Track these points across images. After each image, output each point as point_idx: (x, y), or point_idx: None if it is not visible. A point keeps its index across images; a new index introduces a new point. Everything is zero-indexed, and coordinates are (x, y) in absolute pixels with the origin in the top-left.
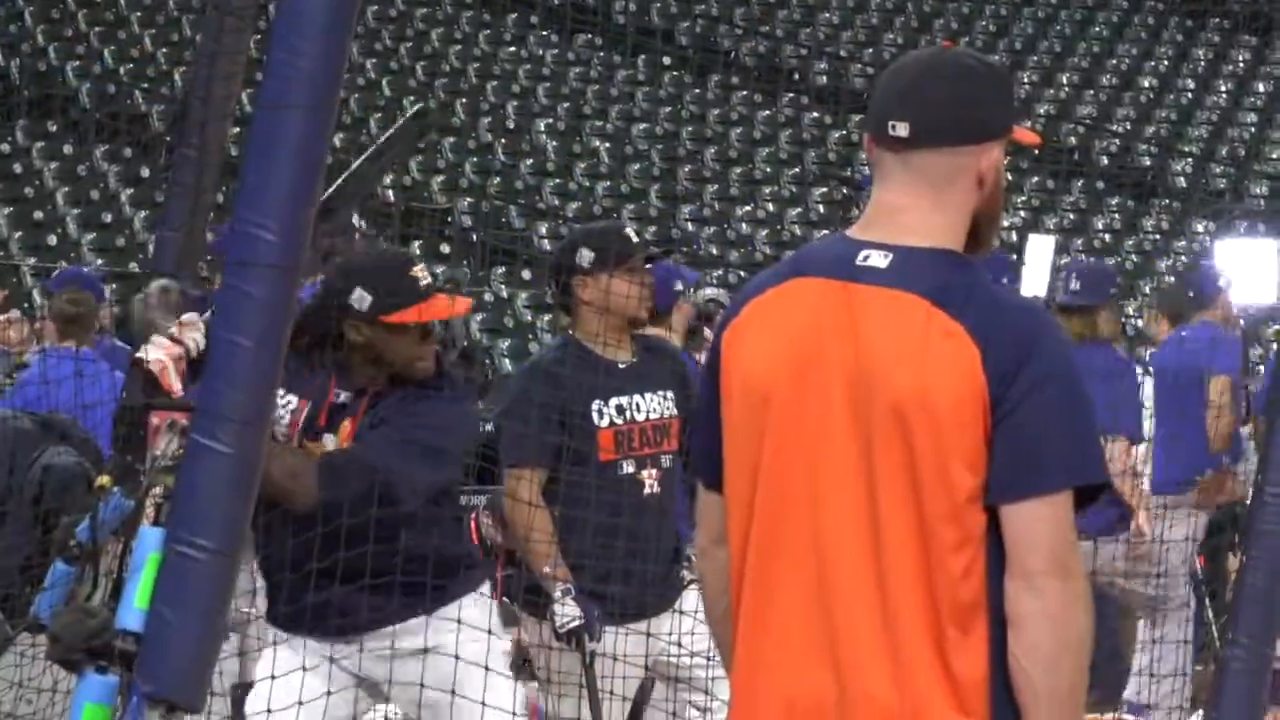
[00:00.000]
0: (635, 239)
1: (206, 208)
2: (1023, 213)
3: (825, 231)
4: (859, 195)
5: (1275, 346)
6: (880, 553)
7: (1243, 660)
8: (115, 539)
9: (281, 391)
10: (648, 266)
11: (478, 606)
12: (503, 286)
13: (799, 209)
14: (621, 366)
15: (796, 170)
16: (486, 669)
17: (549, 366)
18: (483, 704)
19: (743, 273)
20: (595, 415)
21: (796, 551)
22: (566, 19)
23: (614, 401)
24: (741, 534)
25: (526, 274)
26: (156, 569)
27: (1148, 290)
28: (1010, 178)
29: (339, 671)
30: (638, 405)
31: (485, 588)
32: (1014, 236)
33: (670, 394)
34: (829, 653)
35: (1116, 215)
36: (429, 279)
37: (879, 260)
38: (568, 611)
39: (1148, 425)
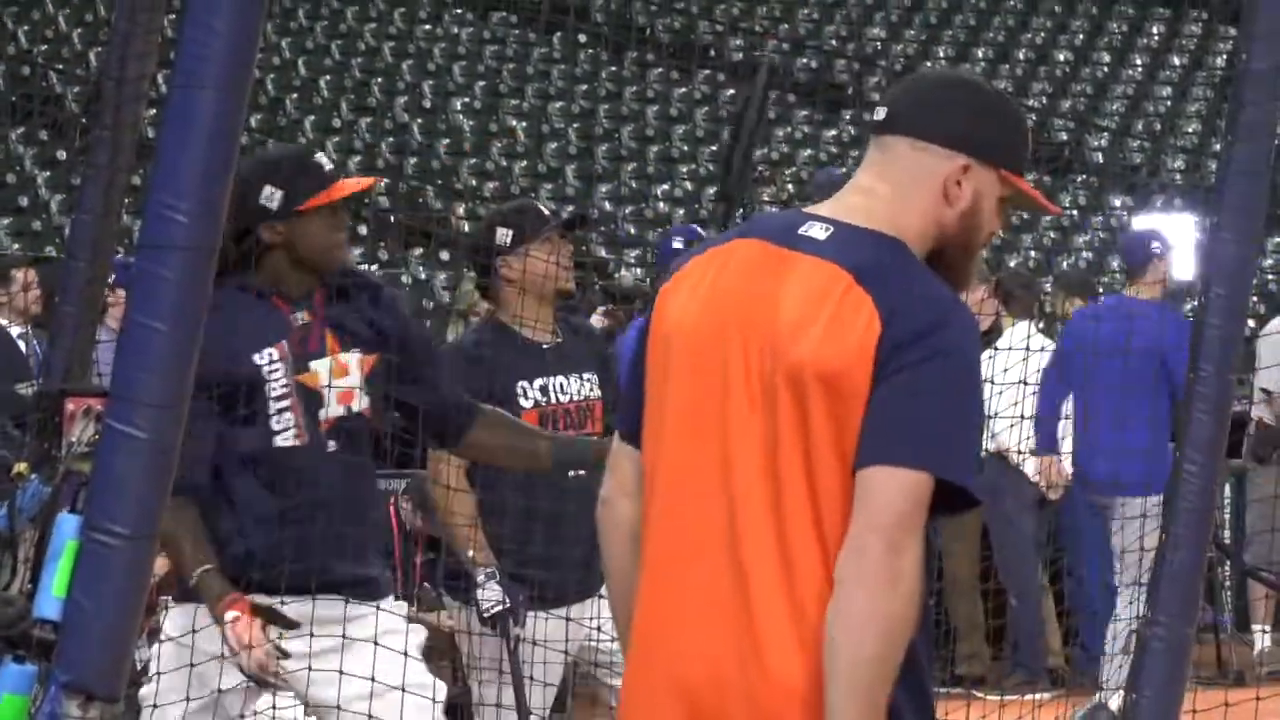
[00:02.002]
0: (548, 212)
1: (122, 190)
2: None
3: (742, 209)
4: None
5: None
6: (781, 521)
7: (1163, 639)
8: (32, 526)
9: (256, 356)
10: (564, 237)
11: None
12: (420, 268)
13: (716, 187)
14: (544, 347)
15: (713, 148)
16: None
17: (471, 349)
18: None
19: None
20: (520, 396)
21: (701, 517)
22: None
23: (538, 382)
24: (647, 491)
25: (444, 255)
26: (74, 557)
27: (1065, 266)
28: None
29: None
30: (561, 386)
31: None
32: None
33: (593, 376)
34: (733, 625)
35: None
36: (330, 164)
37: (818, 232)
38: (490, 596)
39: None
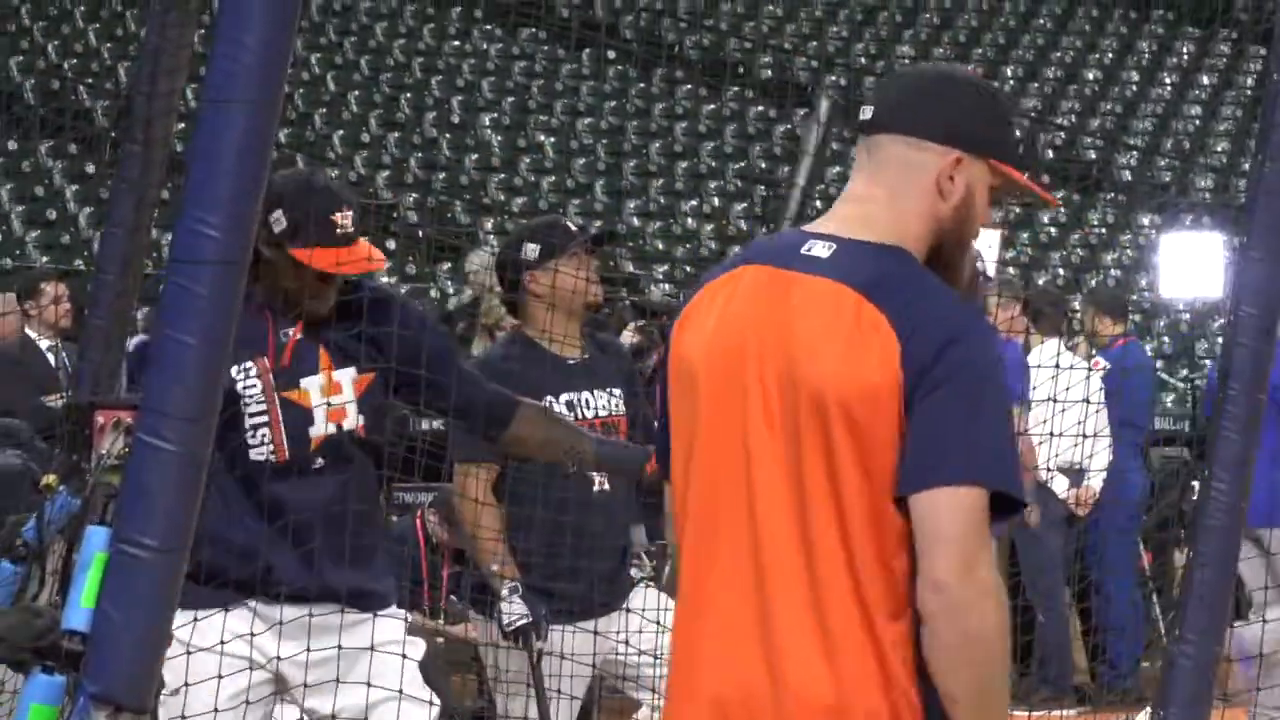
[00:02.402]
0: (575, 228)
1: (151, 204)
2: None
3: (769, 227)
4: None
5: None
6: (809, 543)
7: (1191, 657)
8: (61, 538)
9: (233, 369)
10: (591, 253)
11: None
12: (449, 282)
13: (744, 203)
14: (571, 362)
15: (742, 164)
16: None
17: (499, 363)
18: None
19: (688, 268)
20: None
21: (730, 542)
22: (511, 13)
23: (564, 397)
24: (680, 524)
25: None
26: (103, 569)
27: (1094, 284)
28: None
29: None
30: (587, 402)
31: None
32: None
33: (618, 392)
34: (762, 645)
35: (1062, 209)
36: (350, 226)
37: (821, 250)
38: (515, 610)
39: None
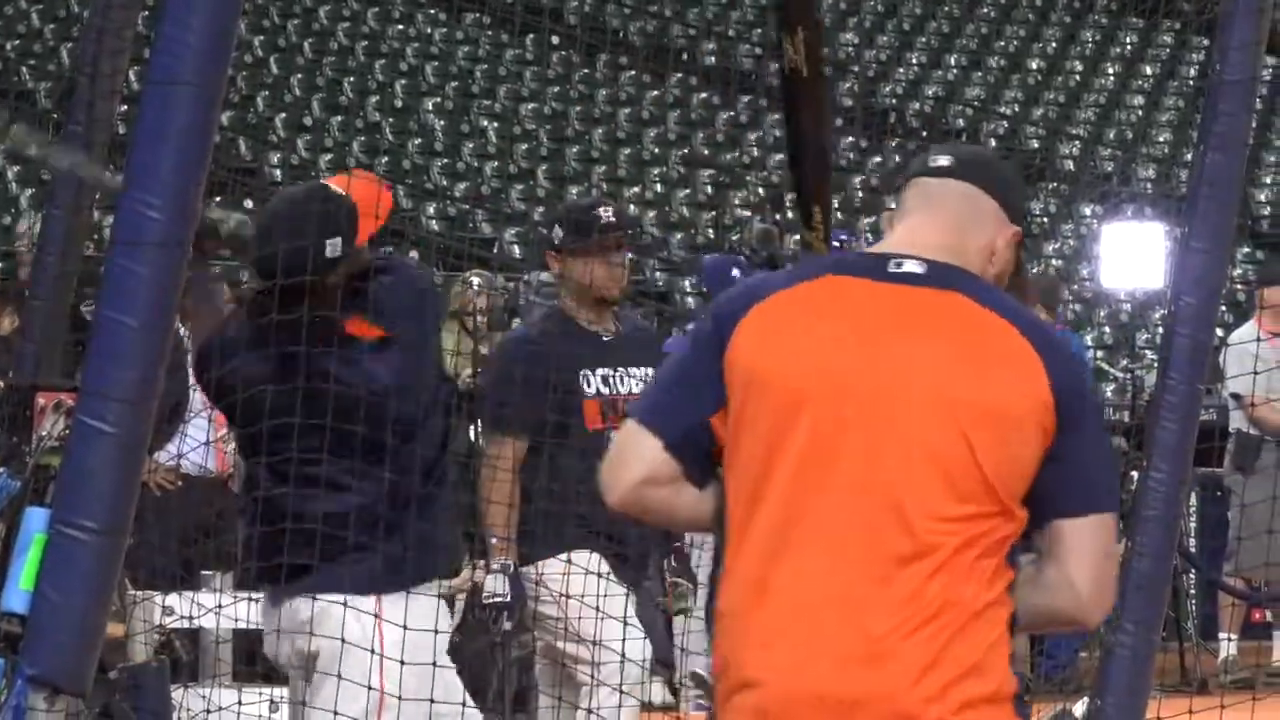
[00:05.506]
0: (608, 221)
1: (93, 186)
2: None
3: (712, 213)
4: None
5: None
6: (920, 548)
7: (1129, 647)
8: (0, 520)
9: None
10: (620, 246)
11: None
12: None
13: (687, 190)
14: (605, 339)
15: (685, 151)
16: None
17: (536, 336)
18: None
19: (630, 255)
20: (584, 385)
21: (841, 542)
22: None
23: (600, 371)
24: (762, 521)
25: (414, 254)
26: (42, 550)
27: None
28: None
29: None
30: (621, 378)
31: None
32: None
33: (650, 372)
34: (864, 648)
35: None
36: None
37: (914, 266)
38: (498, 588)
39: None
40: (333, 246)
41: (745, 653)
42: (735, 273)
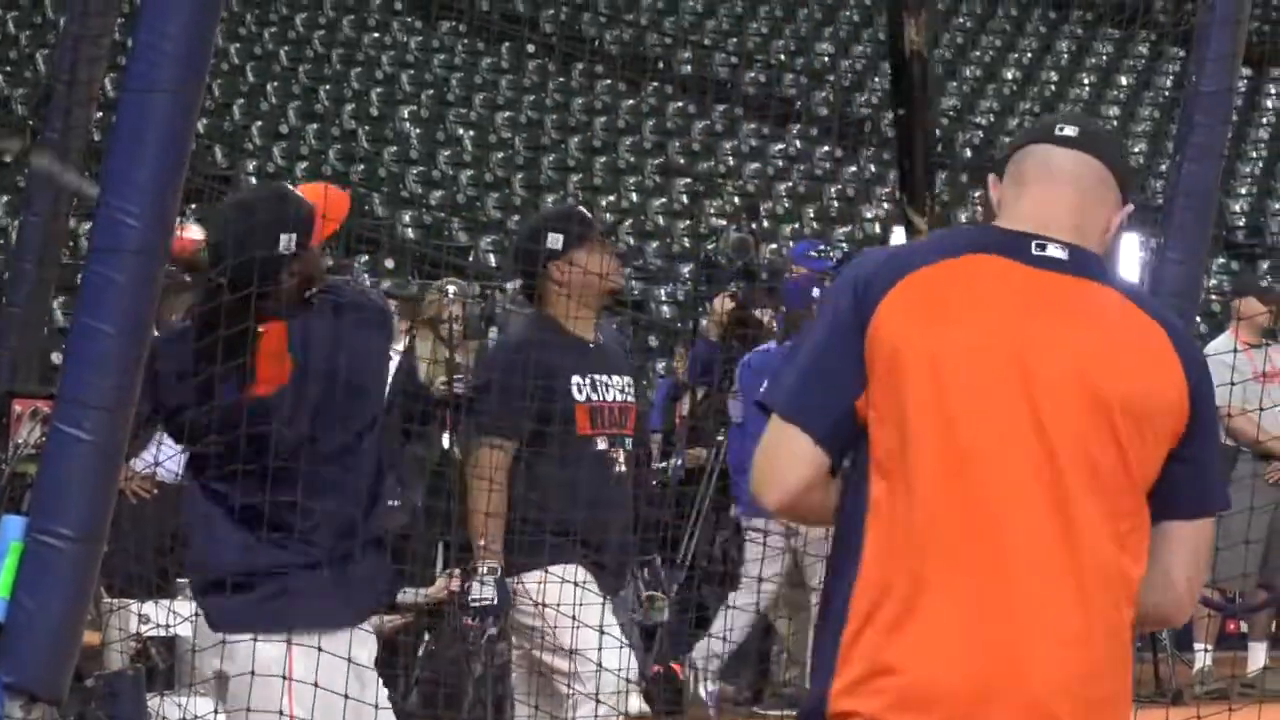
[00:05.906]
0: (588, 215)
1: (70, 193)
2: (886, 205)
3: (688, 222)
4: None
5: None
6: (1075, 542)
7: None
8: None
9: None
10: (605, 242)
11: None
12: (366, 275)
13: (662, 199)
14: (591, 346)
15: (660, 160)
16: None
17: (524, 343)
18: None
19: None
20: (574, 390)
21: (1031, 533)
22: (431, 6)
23: (588, 377)
24: (923, 507)
25: (389, 263)
26: (18, 558)
27: None
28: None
29: None
30: (605, 385)
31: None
32: (878, 229)
33: (630, 381)
34: (1073, 641)
35: (979, 208)
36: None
37: (1057, 251)
38: (485, 593)
39: None
40: (286, 241)
41: (900, 647)
42: (815, 292)
